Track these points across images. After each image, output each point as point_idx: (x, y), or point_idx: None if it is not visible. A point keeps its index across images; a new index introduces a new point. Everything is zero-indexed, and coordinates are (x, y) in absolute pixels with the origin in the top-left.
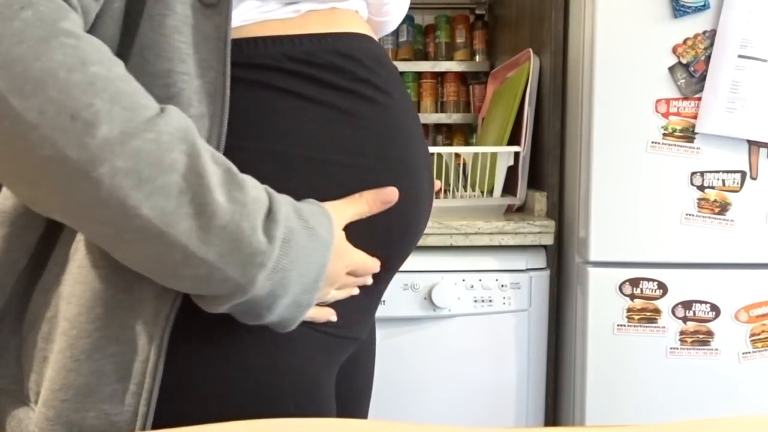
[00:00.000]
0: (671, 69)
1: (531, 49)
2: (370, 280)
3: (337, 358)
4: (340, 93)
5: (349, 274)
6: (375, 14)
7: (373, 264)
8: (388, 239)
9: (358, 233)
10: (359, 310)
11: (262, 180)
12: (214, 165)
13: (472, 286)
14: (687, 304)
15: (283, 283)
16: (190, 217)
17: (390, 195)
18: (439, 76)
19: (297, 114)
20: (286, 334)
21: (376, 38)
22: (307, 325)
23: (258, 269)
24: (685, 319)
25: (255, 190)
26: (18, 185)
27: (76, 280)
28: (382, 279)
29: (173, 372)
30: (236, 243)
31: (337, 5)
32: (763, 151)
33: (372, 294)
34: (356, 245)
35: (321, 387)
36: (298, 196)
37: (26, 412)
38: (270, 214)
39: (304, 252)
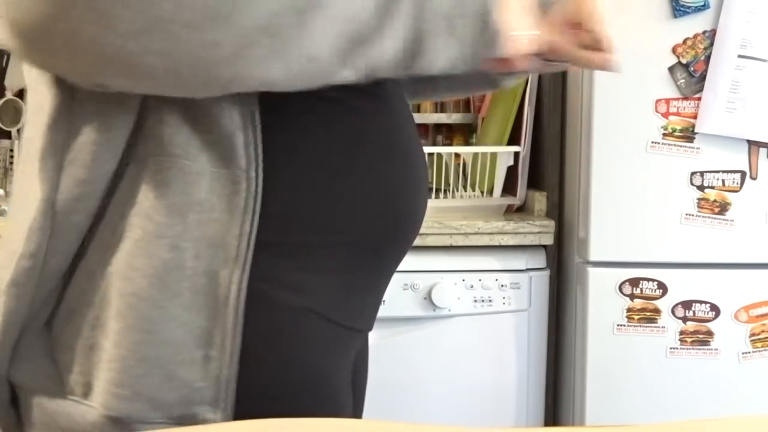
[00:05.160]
0: (671, 69)
1: None
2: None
3: (348, 352)
4: (339, 86)
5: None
6: None
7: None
8: (392, 228)
9: (358, 223)
10: (364, 303)
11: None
12: None
13: (471, 286)
14: (687, 304)
15: None
16: None
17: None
18: None
19: (303, 110)
20: (298, 330)
21: None
22: (319, 315)
23: None
24: (684, 319)
25: None
26: None
27: (135, 255)
28: (383, 272)
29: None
30: None
31: None
32: (763, 151)
33: (375, 289)
34: (356, 234)
35: (334, 381)
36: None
37: (75, 406)
38: None
39: None
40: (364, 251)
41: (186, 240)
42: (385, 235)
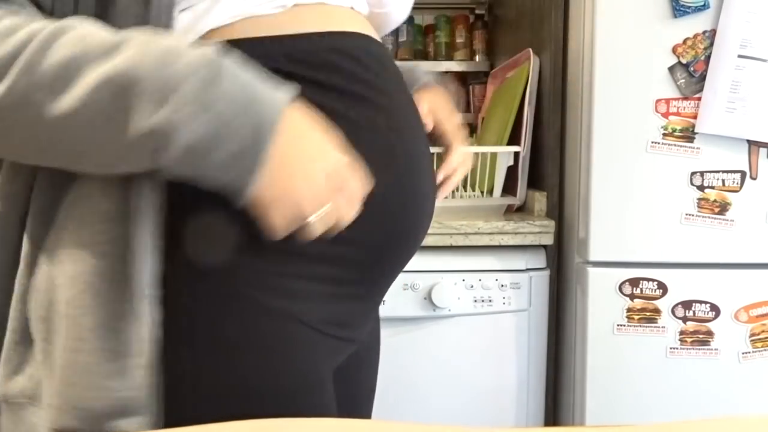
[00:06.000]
0: (671, 69)
1: (531, 49)
2: (351, 212)
3: (334, 360)
4: (334, 94)
5: (333, 188)
6: (375, 5)
7: (359, 177)
8: (382, 240)
9: (349, 234)
10: (355, 313)
11: None
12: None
13: (472, 286)
14: (687, 304)
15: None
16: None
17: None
18: (439, 76)
19: None
20: (282, 334)
21: (377, 35)
22: (304, 323)
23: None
24: (684, 319)
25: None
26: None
27: (72, 262)
28: (377, 282)
29: (172, 371)
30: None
31: (327, 1)
32: (763, 151)
33: (366, 298)
34: (348, 245)
35: (316, 388)
36: None
37: (40, 415)
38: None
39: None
40: (354, 262)
41: (116, 246)
42: (377, 248)
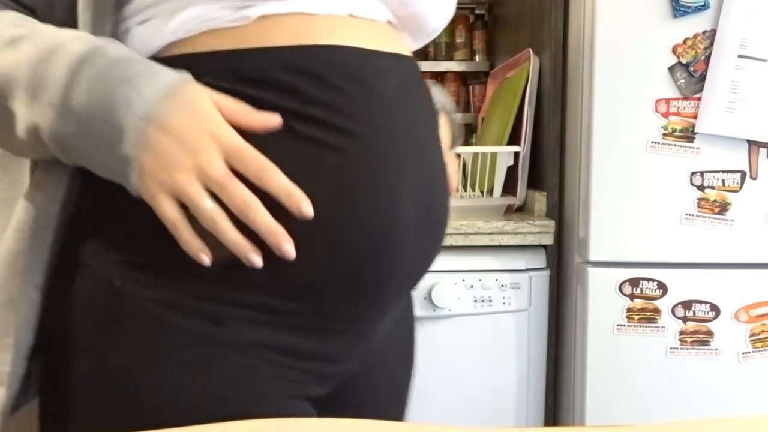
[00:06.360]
0: (671, 69)
1: (531, 49)
2: (252, 201)
3: (291, 388)
4: (286, 116)
5: (221, 174)
6: (398, 7)
7: (266, 167)
8: (327, 273)
9: (283, 264)
10: (315, 344)
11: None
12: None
13: (471, 286)
14: (687, 304)
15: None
16: None
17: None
18: (439, 76)
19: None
20: (197, 355)
21: (394, 46)
22: (218, 343)
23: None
24: (684, 319)
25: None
26: None
27: (3, 240)
28: (339, 316)
29: (52, 374)
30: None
31: (307, 9)
32: (763, 151)
33: (330, 330)
34: (280, 274)
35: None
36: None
37: None
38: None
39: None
40: (289, 293)
41: (20, 225)
42: (323, 281)
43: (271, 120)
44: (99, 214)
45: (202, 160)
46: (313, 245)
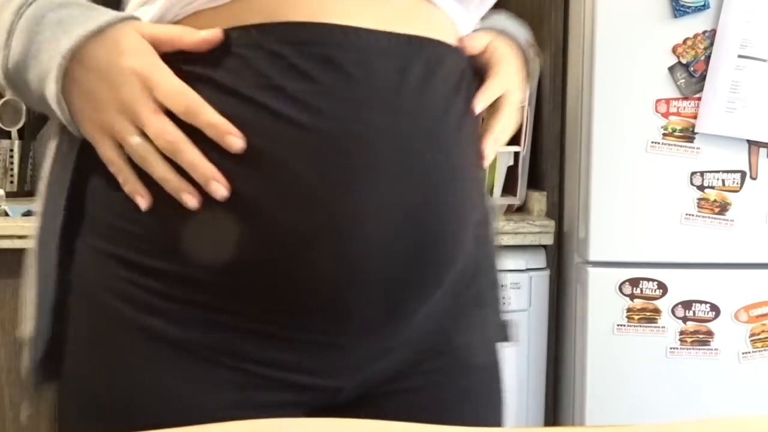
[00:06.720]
0: (671, 69)
1: None
2: (183, 140)
3: (255, 397)
4: (233, 99)
5: (150, 110)
6: None
7: (194, 102)
8: (279, 278)
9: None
10: (286, 354)
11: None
12: None
13: None
14: (687, 304)
15: None
16: None
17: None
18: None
19: None
20: (135, 348)
21: (424, 25)
22: (159, 339)
23: None
24: (684, 319)
25: None
26: None
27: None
28: (303, 325)
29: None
30: None
31: None
32: (763, 151)
33: (293, 340)
34: (229, 273)
35: (154, 406)
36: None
37: None
38: None
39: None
40: (237, 292)
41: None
42: (276, 285)
43: (211, 35)
44: (76, 199)
45: (126, 97)
46: (254, 243)
